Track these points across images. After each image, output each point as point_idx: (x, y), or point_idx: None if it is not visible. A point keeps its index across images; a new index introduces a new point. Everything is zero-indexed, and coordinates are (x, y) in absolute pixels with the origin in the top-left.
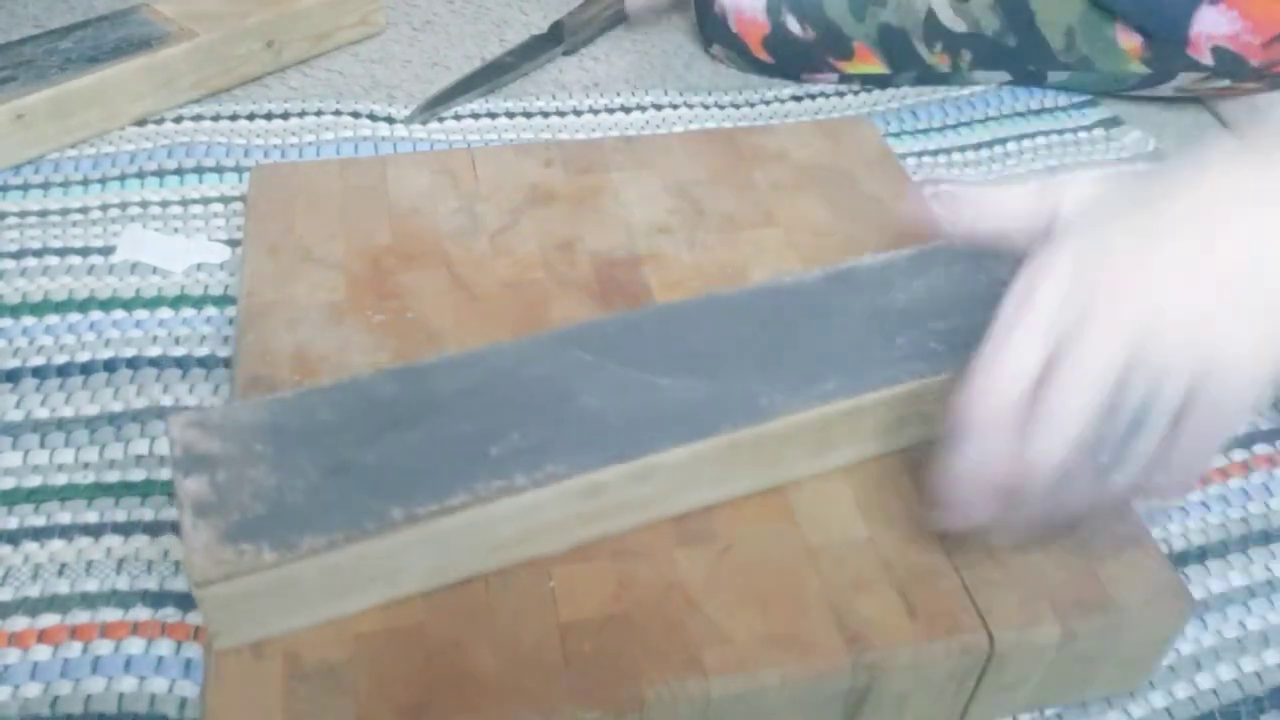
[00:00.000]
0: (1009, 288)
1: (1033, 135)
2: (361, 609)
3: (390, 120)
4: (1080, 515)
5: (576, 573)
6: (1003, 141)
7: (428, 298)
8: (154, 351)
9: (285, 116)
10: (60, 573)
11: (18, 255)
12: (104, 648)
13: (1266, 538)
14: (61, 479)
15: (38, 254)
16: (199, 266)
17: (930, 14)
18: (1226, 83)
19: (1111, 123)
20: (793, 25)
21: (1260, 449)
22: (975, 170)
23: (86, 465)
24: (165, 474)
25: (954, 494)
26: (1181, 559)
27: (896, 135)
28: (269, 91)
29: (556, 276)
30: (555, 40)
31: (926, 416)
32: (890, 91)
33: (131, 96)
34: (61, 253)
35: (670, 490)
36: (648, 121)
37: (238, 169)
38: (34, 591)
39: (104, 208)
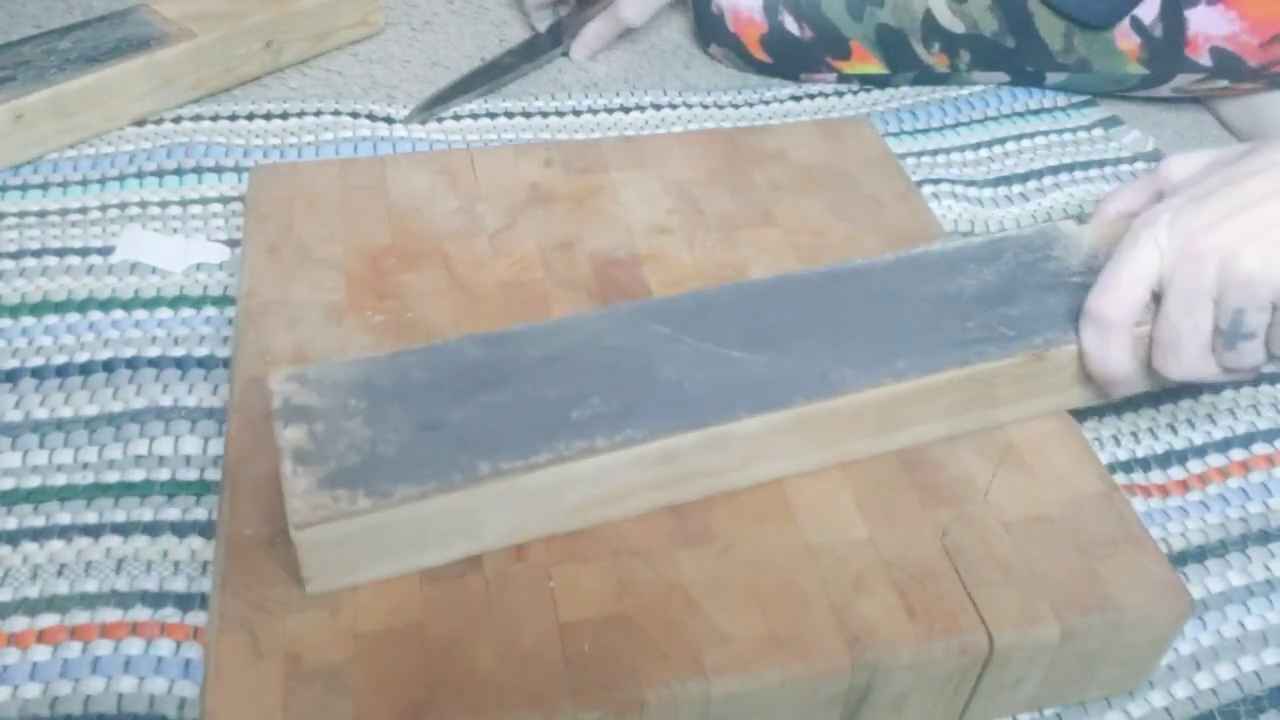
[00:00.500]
0: (1091, 270)
1: (1032, 135)
2: (443, 562)
3: (390, 120)
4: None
5: (576, 573)
6: (1001, 141)
7: (427, 298)
8: (153, 352)
9: (284, 116)
10: (59, 573)
11: (17, 255)
12: (103, 648)
13: (1266, 537)
14: (60, 479)
15: (37, 254)
16: (198, 267)
17: (928, 14)
18: (1225, 83)
19: (1110, 122)
20: (790, 25)
21: (1259, 449)
22: (975, 170)
23: (85, 466)
24: (164, 474)
25: (1094, 368)
26: (1181, 559)
27: (896, 135)
28: (268, 92)
29: (556, 276)
30: (554, 41)
31: (997, 399)
32: (889, 91)
33: (131, 97)
34: (60, 253)
35: (741, 460)
36: (647, 121)
37: (237, 169)
38: (33, 592)
39: (103, 208)
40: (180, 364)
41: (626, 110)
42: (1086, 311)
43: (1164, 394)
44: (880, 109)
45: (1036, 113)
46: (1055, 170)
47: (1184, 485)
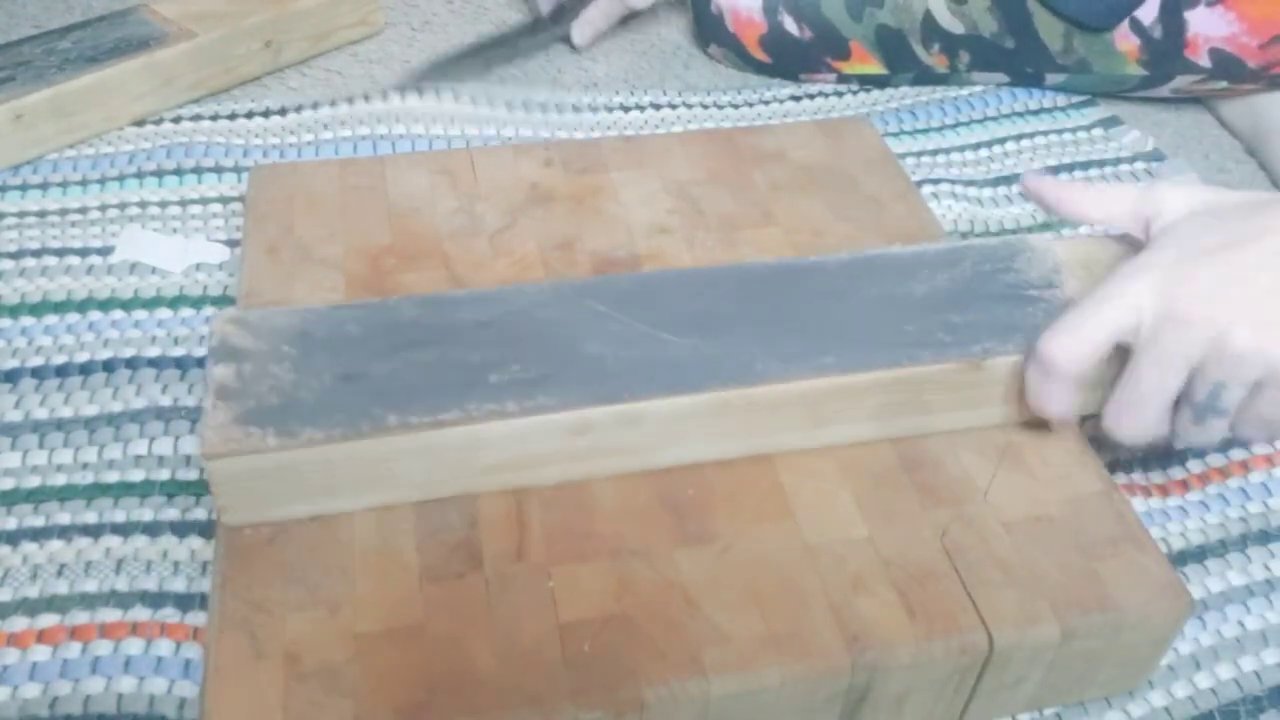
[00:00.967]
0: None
1: (1031, 135)
2: (358, 508)
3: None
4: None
5: (576, 573)
6: (1001, 141)
7: None
8: (153, 352)
9: (284, 113)
10: (59, 573)
11: (16, 255)
12: (103, 648)
13: (1265, 537)
14: (60, 479)
15: (36, 254)
16: (198, 267)
17: (928, 15)
18: (1224, 84)
19: (1110, 122)
20: (790, 25)
21: (1259, 449)
22: (974, 170)
23: (85, 466)
24: (164, 474)
25: (1031, 402)
26: (1181, 559)
27: (895, 135)
28: (268, 91)
29: (556, 276)
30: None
31: (929, 406)
32: (889, 91)
33: (130, 97)
34: (60, 253)
35: (658, 440)
36: (646, 121)
37: (237, 169)
38: (33, 592)
39: (103, 208)
40: (180, 364)
41: (626, 109)
42: (1036, 350)
43: None
44: (880, 109)
45: (1036, 113)
46: (1055, 170)
47: (1184, 485)
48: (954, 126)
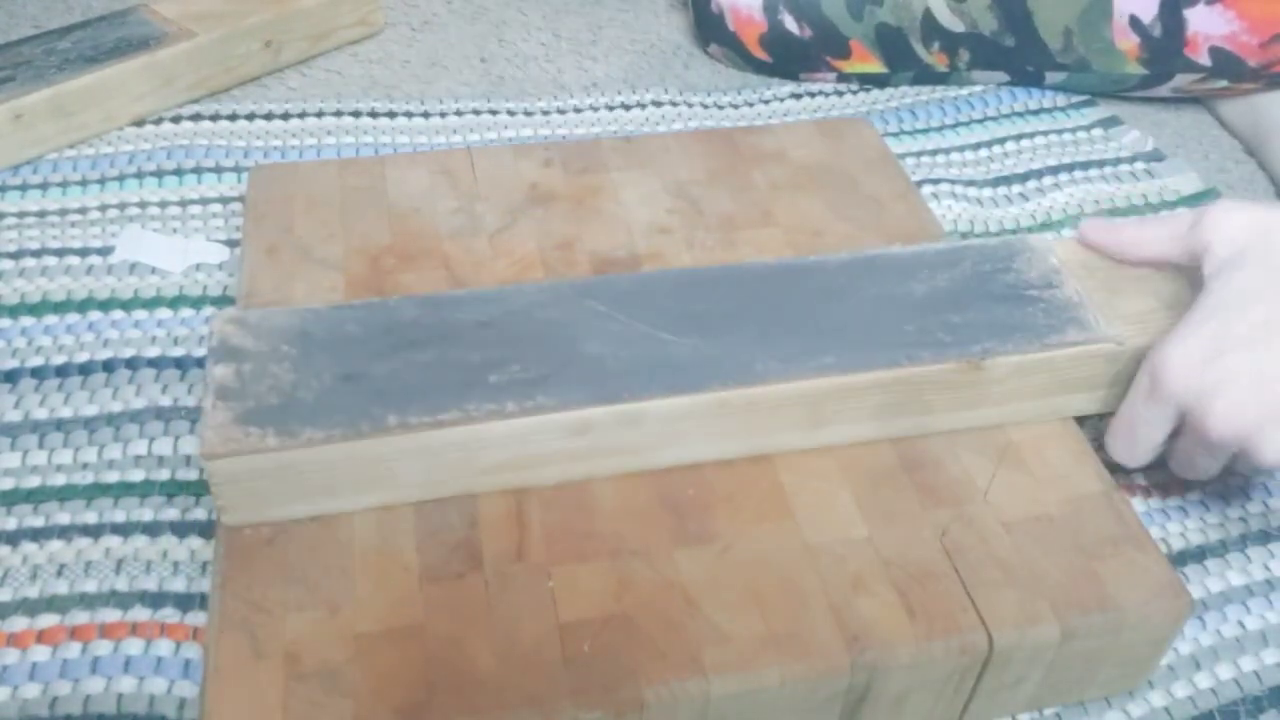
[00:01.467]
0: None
1: (1031, 135)
2: (358, 508)
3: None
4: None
5: (576, 573)
6: (1001, 141)
7: None
8: (153, 352)
9: (285, 117)
10: (59, 573)
11: (16, 256)
12: (103, 648)
13: (1265, 537)
14: (60, 480)
15: (36, 254)
16: (198, 267)
17: (928, 13)
18: (1224, 83)
19: (1110, 122)
20: (790, 24)
21: None
22: (974, 170)
23: (85, 466)
24: (164, 474)
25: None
26: (1180, 558)
27: (895, 135)
28: (268, 92)
29: (555, 276)
30: None
31: (927, 406)
32: (889, 91)
33: (130, 97)
34: (60, 253)
35: (658, 440)
36: (646, 119)
37: (236, 169)
38: (32, 592)
39: (102, 208)
40: (180, 364)
41: (626, 108)
42: (1106, 447)
43: None
44: (880, 109)
45: (1036, 113)
46: (1055, 170)
47: (1184, 485)
48: (954, 126)
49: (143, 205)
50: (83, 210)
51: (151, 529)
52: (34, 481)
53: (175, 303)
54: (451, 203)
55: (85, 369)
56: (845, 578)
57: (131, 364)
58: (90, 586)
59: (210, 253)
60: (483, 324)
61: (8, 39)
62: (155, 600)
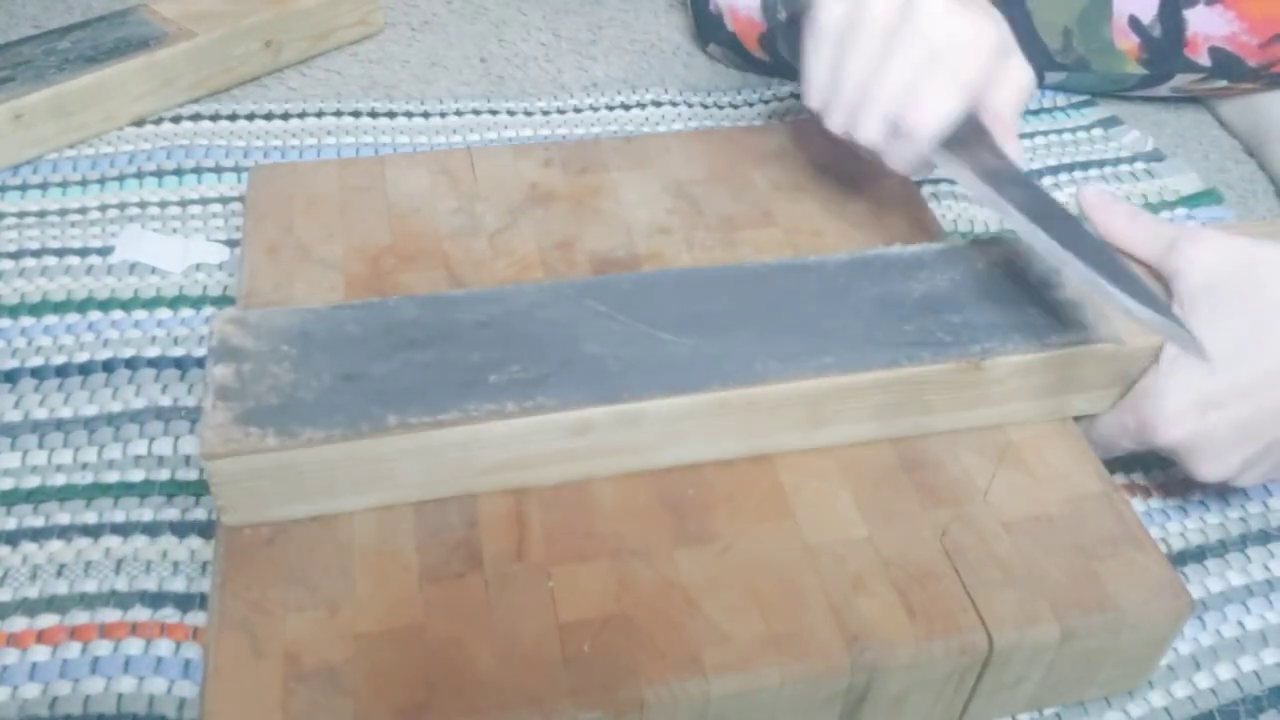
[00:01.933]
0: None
1: (1031, 135)
2: (358, 508)
3: (391, 115)
4: None
5: (576, 572)
6: None
7: None
8: (152, 352)
9: (285, 117)
10: (59, 573)
11: (16, 256)
12: (102, 648)
13: (1265, 537)
14: (60, 480)
15: (36, 254)
16: (198, 267)
17: None
18: (1224, 83)
19: (1110, 122)
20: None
21: None
22: None
23: (85, 466)
24: (164, 474)
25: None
26: (1180, 559)
27: None
28: (268, 92)
29: (555, 276)
30: None
31: (929, 406)
32: None
33: (130, 97)
34: (60, 253)
35: (658, 440)
36: (646, 119)
37: (236, 169)
38: (32, 592)
39: (102, 208)
40: (180, 364)
41: (626, 108)
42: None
43: None
44: None
45: (1036, 113)
46: (1055, 170)
47: (1184, 485)
48: None
49: (143, 205)
50: (83, 210)
51: (151, 529)
52: (34, 481)
53: (175, 303)
54: (451, 203)
55: (85, 369)
56: (845, 578)
57: (131, 364)
58: (90, 586)
59: (210, 253)
60: (483, 324)
61: (8, 39)
62: (155, 600)
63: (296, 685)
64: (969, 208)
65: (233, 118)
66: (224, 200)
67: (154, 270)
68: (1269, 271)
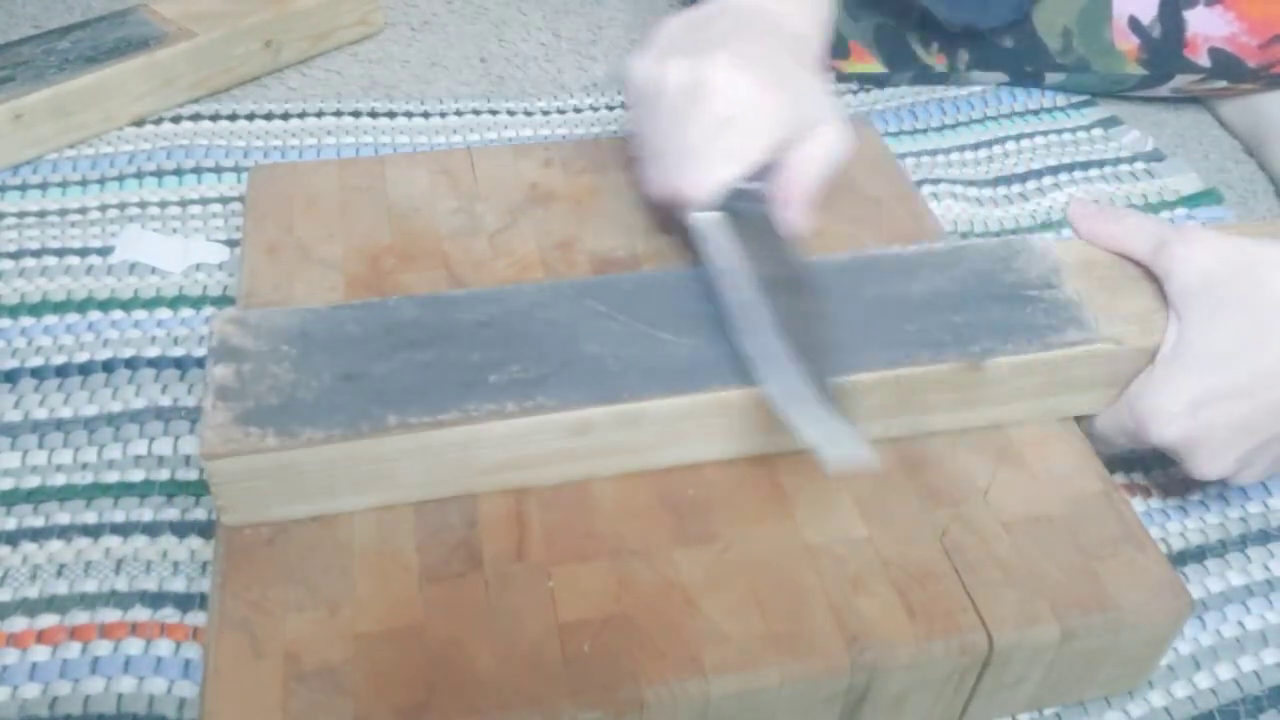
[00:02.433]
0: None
1: (1031, 135)
2: (358, 508)
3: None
4: None
5: (576, 573)
6: (1001, 141)
7: None
8: (152, 352)
9: (285, 117)
10: (59, 573)
11: (16, 256)
12: (102, 648)
13: (1265, 537)
14: (60, 480)
15: (36, 254)
16: (197, 267)
17: (926, 14)
18: (1223, 84)
19: (1110, 122)
20: None
21: None
22: (974, 170)
23: (85, 466)
24: (164, 474)
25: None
26: (1180, 558)
27: (895, 135)
28: (268, 92)
29: (555, 276)
30: None
31: (929, 406)
32: (889, 91)
33: (130, 97)
34: (60, 253)
35: (658, 440)
36: None
37: (236, 169)
38: (32, 592)
39: (102, 208)
40: (180, 364)
41: (627, 108)
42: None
43: None
44: (880, 109)
45: (1036, 113)
46: (1055, 170)
47: (1184, 485)
48: (954, 126)
49: (143, 205)
50: (83, 210)
51: (151, 529)
52: (34, 481)
53: (175, 303)
54: (451, 203)
55: (85, 369)
56: (845, 578)
57: (131, 364)
58: (90, 586)
59: (210, 253)
60: (483, 324)
61: (8, 39)
62: (155, 600)
63: (296, 685)
64: (969, 207)
65: (233, 118)
66: (224, 200)
67: (154, 270)
68: (1268, 271)
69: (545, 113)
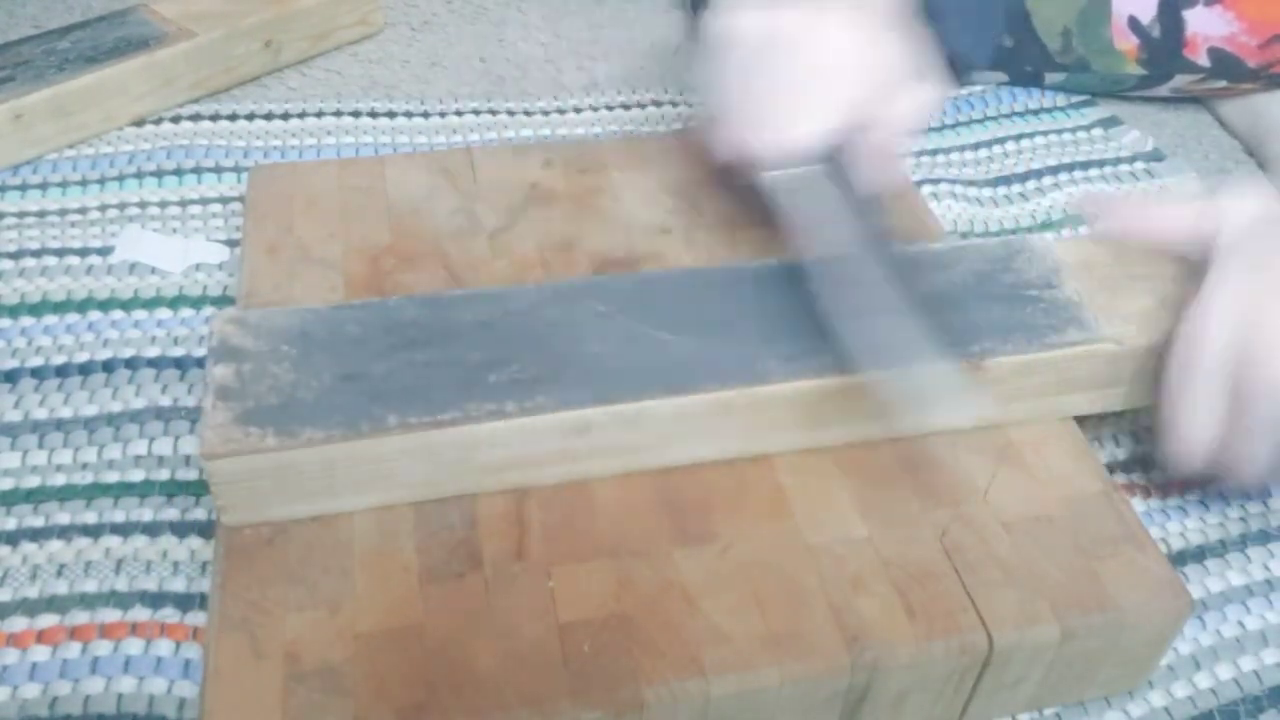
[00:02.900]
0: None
1: (1031, 135)
2: (358, 508)
3: (391, 115)
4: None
5: (576, 572)
6: (1001, 141)
7: None
8: (152, 352)
9: (285, 117)
10: (59, 573)
11: (16, 256)
12: (102, 648)
13: (1265, 537)
14: (60, 480)
15: (36, 254)
16: (197, 267)
17: None
18: (1223, 84)
19: (1110, 122)
20: None
21: None
22: (974, 170)
23: (85, 466)
24: (164, 474)
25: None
26: (1180, 558)
27: None
28: (267, 92)
29: (555, 276)
30: None
31: None
32: None
33: (130, 97)
34: (60, 253)
35: (658, 440)
36: (646, 119)
37: (236, 169)
38: (32, 592)
39: (102, 208)
40: (180, 364)
41: (627, 108)
42: (1160, 456)
43: None
44: None
45: (1036, 113)
46: (1055, 170)
47: (1184, 485)
48: (954, 126)
49: (143, 205)
50: (83, 210)
51: (151, 529)
52: (34, 481)
53: (175, 303)
54: (451, 203)
55: (85, 369)
56: (845, 578)
57: (131, 364)
58: (90, 586)
59: (210, 253)
60: (483, 324)
61: (8, 39)
62: (155, 600)
63: (296, 685)
64: (969, 207)
65: (233, 118)
66: (224, 200)
67: (154, 270)
68: None
69: (545, 113)
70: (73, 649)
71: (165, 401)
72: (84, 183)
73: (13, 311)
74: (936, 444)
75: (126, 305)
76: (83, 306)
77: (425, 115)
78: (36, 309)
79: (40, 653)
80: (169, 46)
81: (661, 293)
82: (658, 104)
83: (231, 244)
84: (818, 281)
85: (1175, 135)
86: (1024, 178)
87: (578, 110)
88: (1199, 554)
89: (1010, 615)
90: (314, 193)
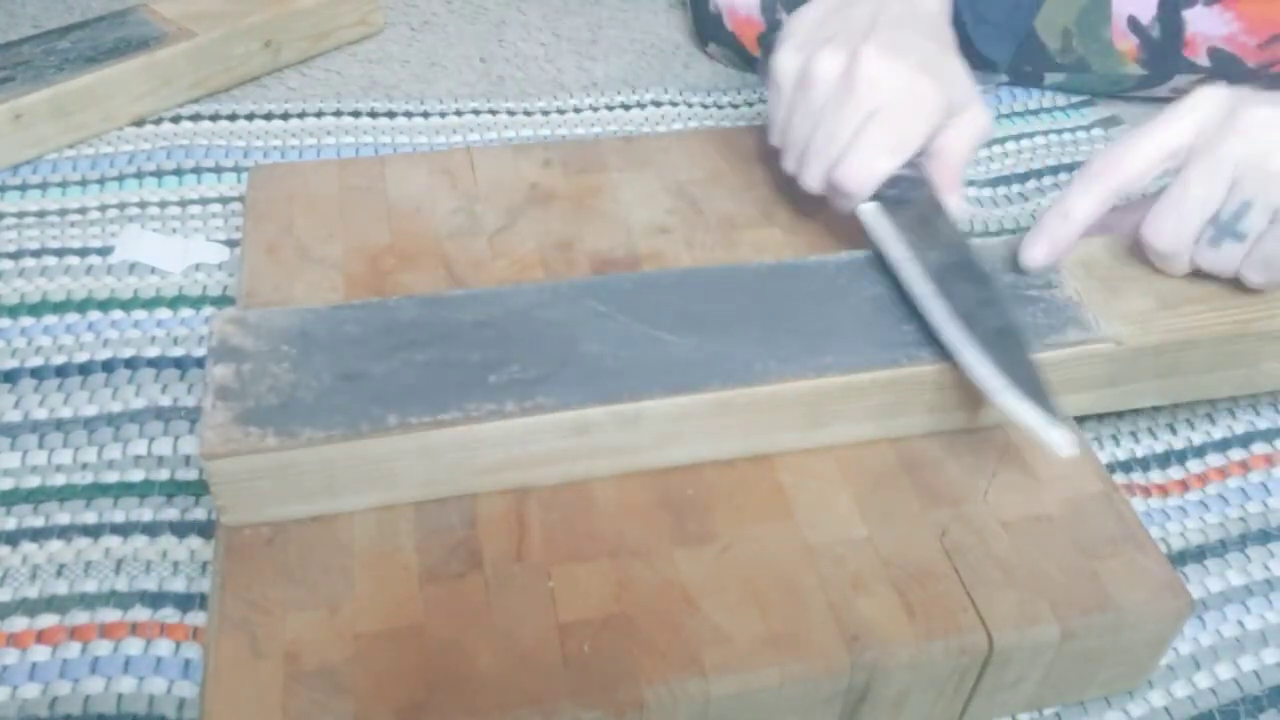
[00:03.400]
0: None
1: (1031, 135)
2: (358, 508)
3: (391, 115)
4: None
5: (576, 572)
6: (1001, 141)
7: None
8: (152, 352)
9: (285, 117)
10: (59, 573)
11: (16, 256)
12: (102, 648)
13: (1265, 537)
14: (60, 480)
15: (36, 254)
16: (197, 267)
17: None
18: (1223, 83)
19: (1110, 122)
20: None
21: (1258, 448)
22: (974, 170)
23: (85, 466)
24: (163, 474)
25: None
26: (1180, 558)
27: None
28: (267, 92)
29: (555, 276)
30: None
31: (927, 406)
32: None
33: (130, 97)
34: (60, 253)
35: (658, 440)
36: (646, 119)
37: (236, 169)
38: (32, 592)
39: (102, 208)
40: (180, 364)
41: (626, 108)
42: (1144, 240)
43: None
44: None
45: (1035, 113)
46: (1054, 170)
47: (1184, 485)
48: None
49: (143, 205)
50: (83, 210)
51: (151, 529)
52: (34, 481)
53: (175, 303)
54: (451, 203)
55: (85, 369)
56: (845, 578)
57: (131, 364)
58: (90, 586)
59: (210, 253)
60: (482, 324)
61: (8, 39)
62: (155, 600)
63: (296, 685)
64: (969, 207)
65: (233, 118)
66: (224, 200)
67: (154, 270)
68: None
69: (545, 113)
70: (73, 649)
71: (165, 401)
72: (84, 183)
73: (13, 311)
74: (936, 444)
75: (126, 305)
76: (83, 306)
77: (425, 115)
78: (36, 309)
79: (40, 653)
80: (169, 46)
81: (661, 293)
82: (658, 104)
83: (231, 244)
84: (922, 309)
85: None
86: (1024, 178)
87: (578, 110)
88: (1199, 554)
89: (1010, 615)
90: (314, 193)
